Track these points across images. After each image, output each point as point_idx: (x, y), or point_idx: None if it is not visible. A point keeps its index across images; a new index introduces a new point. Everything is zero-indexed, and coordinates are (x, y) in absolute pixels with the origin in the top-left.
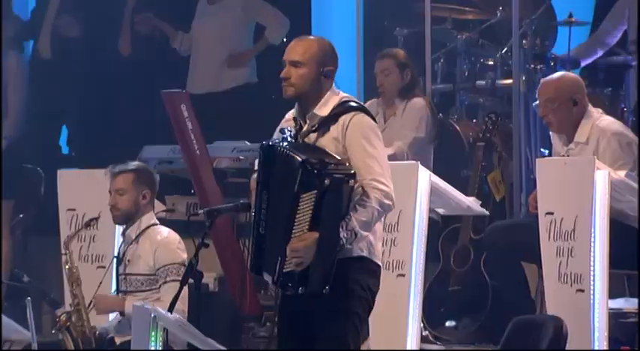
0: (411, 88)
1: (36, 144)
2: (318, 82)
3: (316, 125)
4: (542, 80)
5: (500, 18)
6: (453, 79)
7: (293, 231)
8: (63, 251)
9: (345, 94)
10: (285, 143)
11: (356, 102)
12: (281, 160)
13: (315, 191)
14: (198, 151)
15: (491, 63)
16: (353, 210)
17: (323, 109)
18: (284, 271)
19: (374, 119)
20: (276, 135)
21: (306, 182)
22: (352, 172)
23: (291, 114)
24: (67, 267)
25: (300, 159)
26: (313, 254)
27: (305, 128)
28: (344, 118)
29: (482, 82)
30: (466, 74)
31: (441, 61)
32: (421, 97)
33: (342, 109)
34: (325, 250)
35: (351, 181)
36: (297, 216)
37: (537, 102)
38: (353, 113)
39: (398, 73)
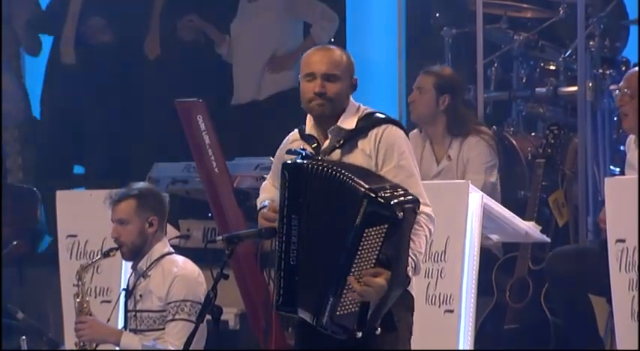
0: (460, 122)
1: (37, 161)
2: (348, 95)
3: (342, 140)
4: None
5: (564, 16)
6: (508, 86)
7: (352, 270)
8: (75, 282)
9: (365, 107)
10: (314, 161)
11: (382, 114)
12: (324, 182)
13: (386, 226)
14: (216, 169)
15: (552, 68)
16: (411, 241)
17: (347, 122)
18: (338, 313)
19: (406, 131)
20: (284, 158)
21: (373, 215)
22: (416, 197)
23: (296, 134)
24: (77, 300)
25: (363, 188)
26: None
27: (327, 144)
28: (375, 132)
29: (543, 90)
30: (524, 80)
31: (495, 65)
32: (476, 135)
33: (371, 121)
34: (392, 291)
35: (417, 210)
36: (358, 253)
37: (617, 91)
38: (384, 126)
39: (433, 95)
